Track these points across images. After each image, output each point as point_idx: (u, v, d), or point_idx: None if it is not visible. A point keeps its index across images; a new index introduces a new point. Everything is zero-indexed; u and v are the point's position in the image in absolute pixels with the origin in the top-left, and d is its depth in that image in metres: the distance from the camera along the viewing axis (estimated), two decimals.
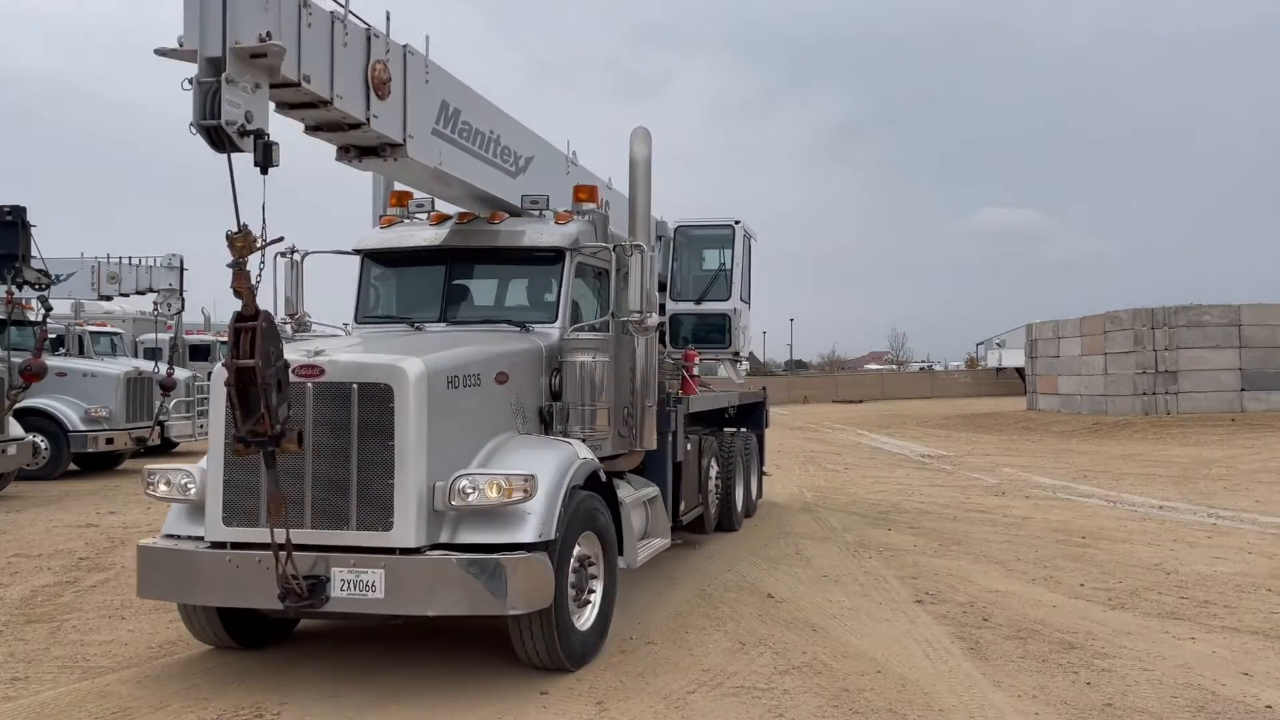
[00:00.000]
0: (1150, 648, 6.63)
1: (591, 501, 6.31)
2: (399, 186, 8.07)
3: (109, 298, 21.22)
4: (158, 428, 18.47)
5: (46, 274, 14.81)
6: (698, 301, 12.53)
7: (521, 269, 7.93)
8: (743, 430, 12.34)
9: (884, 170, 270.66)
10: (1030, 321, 40.58)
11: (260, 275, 5.11)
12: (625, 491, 7.42)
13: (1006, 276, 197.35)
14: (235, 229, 4.82)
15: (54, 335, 18.40)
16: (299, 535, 5.31)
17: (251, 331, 4.79)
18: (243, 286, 4.84)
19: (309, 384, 5.55)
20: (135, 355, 22.80)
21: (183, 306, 21.08)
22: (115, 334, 21.79)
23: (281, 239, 5.20)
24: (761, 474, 13.34)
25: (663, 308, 12.47)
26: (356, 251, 7.96)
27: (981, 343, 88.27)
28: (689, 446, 9.34)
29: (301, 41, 5.26)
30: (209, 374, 9.16)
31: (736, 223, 12.60)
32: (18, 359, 14.70)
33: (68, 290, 19.71)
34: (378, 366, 5.68)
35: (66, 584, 8.69)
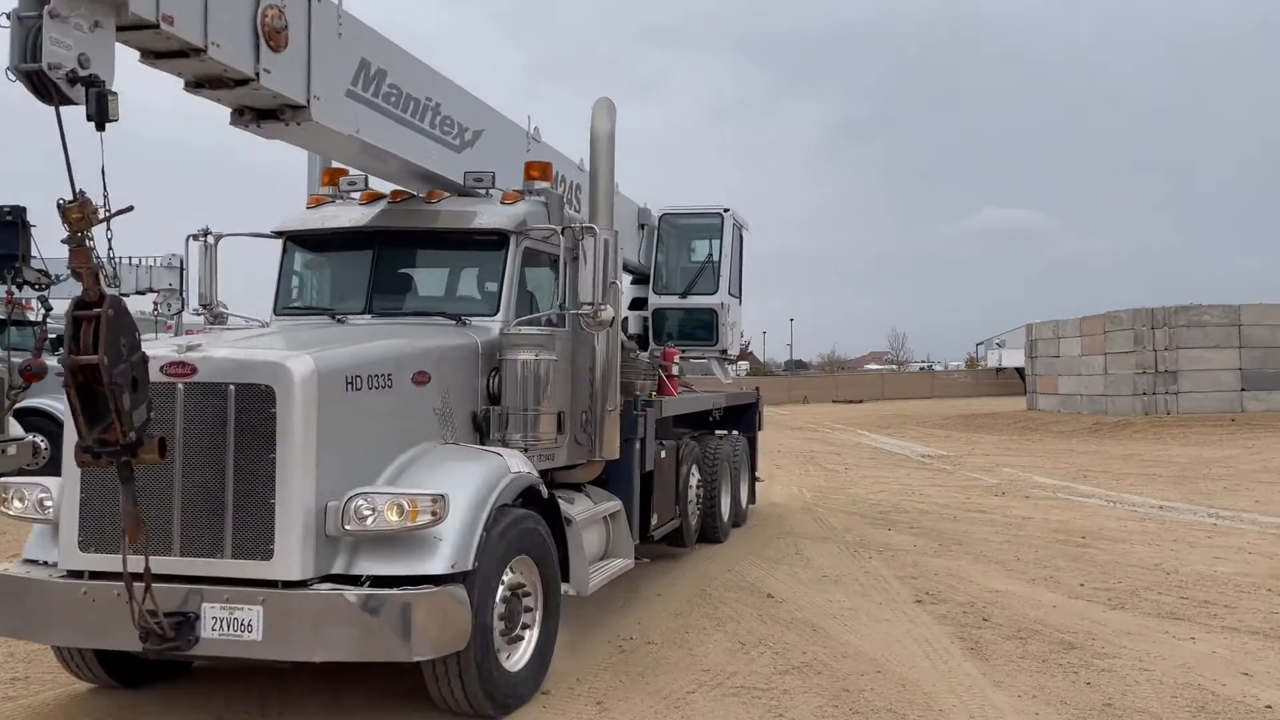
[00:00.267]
0: (1150, 648, 6.63)
1: (527, 522, 5.55)
2: (335, 164, 7.25)
3: None
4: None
5: (46, 274, 14.79)
6: (683, 295, 11.78)
7: (461, 255, 7.07)
8: (733, 433, 11.67)
9: (884, 170, 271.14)
10: (1030, 321, 40.63)
11: (112, 255, 4.36)
12: (581, 506, 6.81)
13: (1006, 276, 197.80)
14: (70, 198, 4.08)
15: (54, 335, 18.34)
16: (164, 564, 4.59)
17: (95, 321, 4.07)
18: (83, 266, 4.10)
19: (179, 384, 4.79)
20: None
21: (183, 306, 21.09)
22: None
23: (131, 208, 4.27)
24: (754, 480, 12.56)
25: (645, 302, 11.89)
26: (276, 234, 7.11)
27: (981, 343, 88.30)
28: (663, 453, 8.65)
29: None
30: None
31: (726, 210, 11.91)
32: (18, 359, 14.70)
33: (68, 290, 19.71)
34: (258, 364, 4.87)
35: None
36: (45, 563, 5.12)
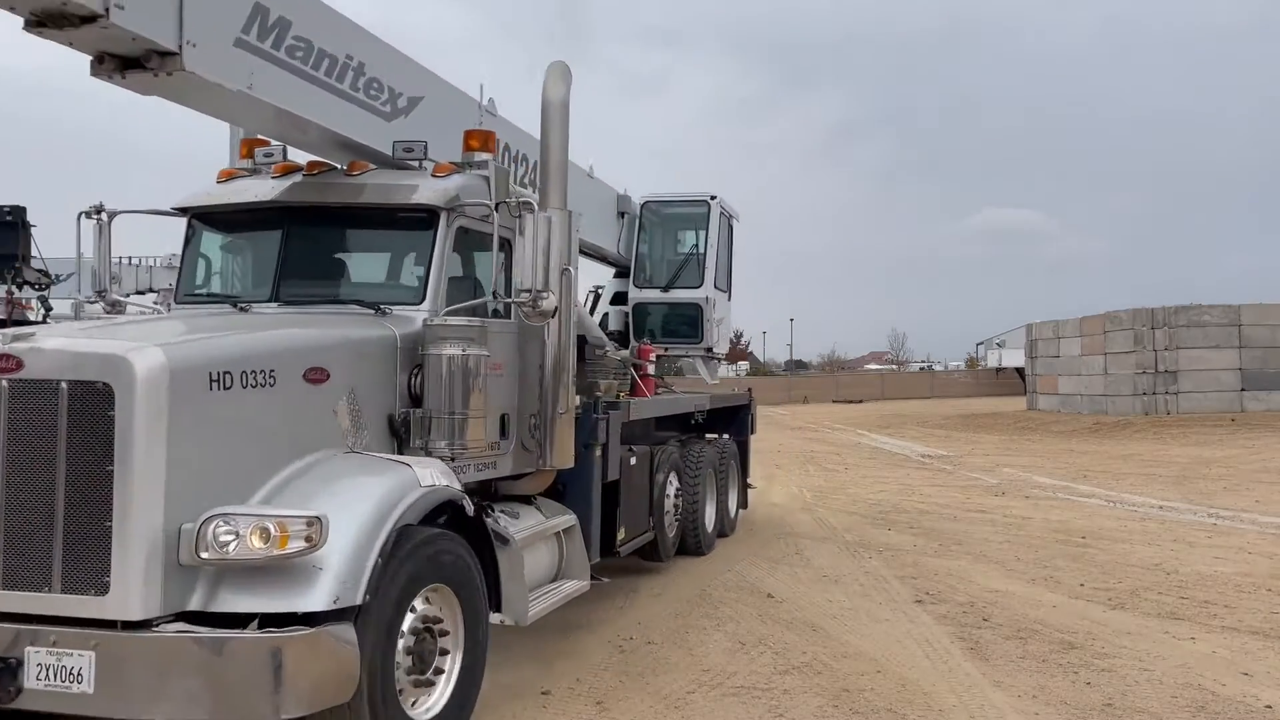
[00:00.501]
0: (1150, 648, 6.64)
1: (440, 543, 4.74)
2: (256, 135, 6.37)
3: None
4: None
5: (46, 274, 14.81)
6: (665, 289, 11.07)
7: (384, 235, 6.19)
8: (722, 437, 10.99)
9: (884, 170, 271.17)
10: (1030, 321, 40.67)
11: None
12: (527, 522, 6.11)
13: (1006, 276, 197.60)
14: None
15: None
16: None
17: None
18: None
19: (3, 381, 4.06)
20: None
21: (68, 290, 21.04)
22: None
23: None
24: (745, 486, 11.63)
25: (626, 296, 11.27)
26: (178, 210, 6.22)
27: (981, 343, 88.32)
28: (633, 460, 7.84)
29: None
30: None
31: (713, 198, 11.15)
32: None
33: (68, 290, 19.73)
34: (95, 357, 4.06)
35: None
36: None
